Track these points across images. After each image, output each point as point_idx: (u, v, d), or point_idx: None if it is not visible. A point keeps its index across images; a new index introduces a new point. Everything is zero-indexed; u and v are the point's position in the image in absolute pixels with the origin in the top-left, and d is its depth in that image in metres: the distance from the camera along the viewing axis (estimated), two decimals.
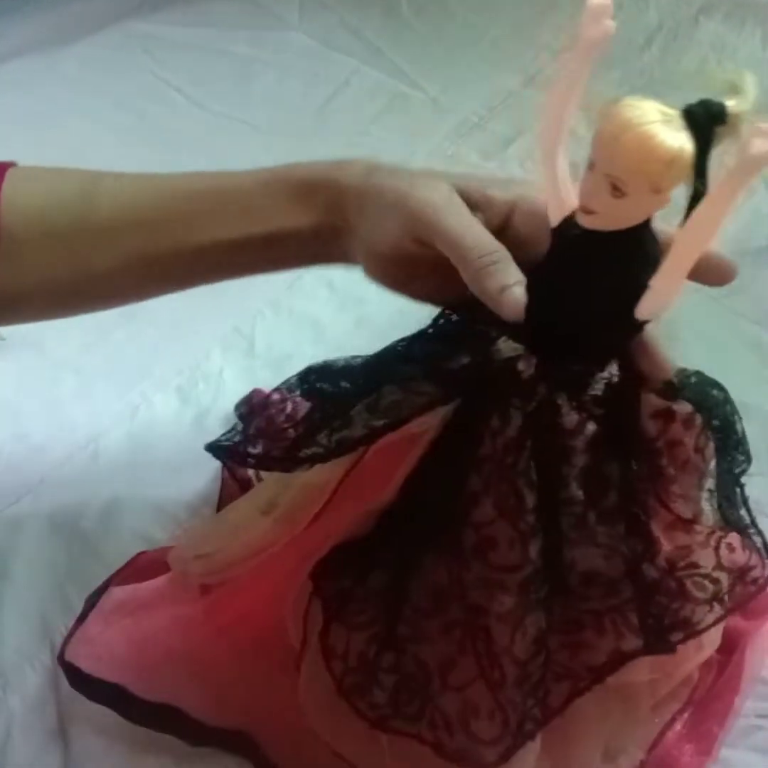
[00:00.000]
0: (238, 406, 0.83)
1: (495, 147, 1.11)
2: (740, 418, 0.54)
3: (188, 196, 0.55)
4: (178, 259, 0.56)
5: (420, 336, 0.57)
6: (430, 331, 0.57)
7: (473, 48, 1.27)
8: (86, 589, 0.68)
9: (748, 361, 0.89)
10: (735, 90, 0.35)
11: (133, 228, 0.55)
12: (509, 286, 0.43)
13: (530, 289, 0.44)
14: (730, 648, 0.67)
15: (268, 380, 0.79)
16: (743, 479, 0.55)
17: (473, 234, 0.46)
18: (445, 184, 0.49)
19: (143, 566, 0.68)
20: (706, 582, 0.51)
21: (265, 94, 1.20)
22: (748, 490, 0.56)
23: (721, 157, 0.35)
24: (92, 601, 0.66)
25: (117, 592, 0.67)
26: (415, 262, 0.51)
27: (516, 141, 1.11)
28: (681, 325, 0.86)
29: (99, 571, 0.71)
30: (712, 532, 0.51)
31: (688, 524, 0.49)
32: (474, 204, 0.49)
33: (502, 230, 0.49)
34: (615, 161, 0.36)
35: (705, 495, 0.50)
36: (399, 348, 0.56)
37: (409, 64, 1.23)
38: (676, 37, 1.18)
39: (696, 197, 0.35)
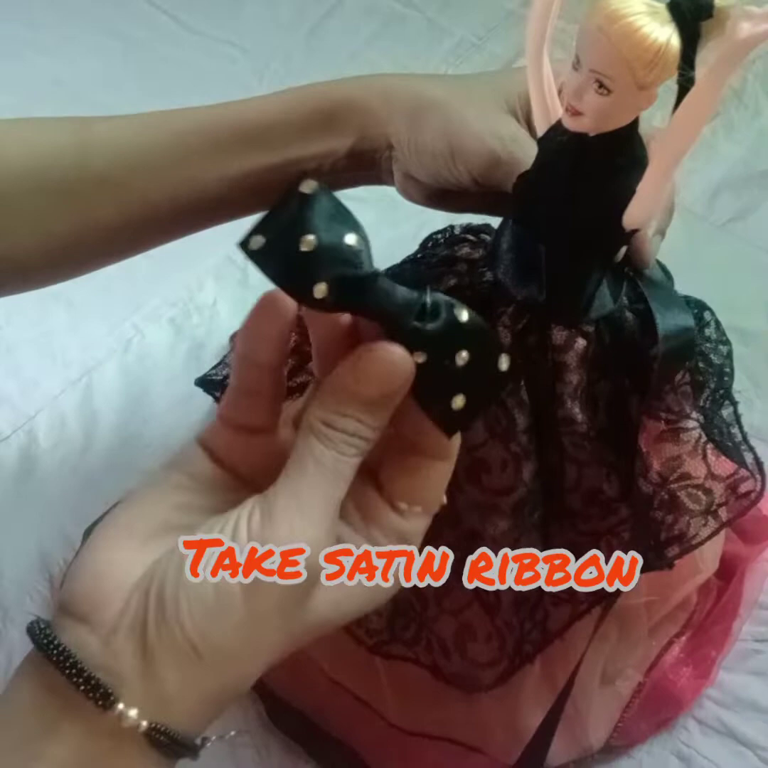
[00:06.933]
0: (233, 337, 0.81)
1: (494, 68, 1.07)
2: (726, 340, 0.53)
3: (193, 132, 0.51)
4: (193, 200, 0.51)
5: (409, 261, 0.55)
6: (419, 256, 0.56)
7: None
8: (84, 522, 0.68)
9: (751, 286, 0.87)
10: None
11: (136, 174, 0.50)
12: None
13: (517, 200, 0.42)
14: (729, 573, 0.68)
15: None
16: (742, 405, 0.54)
17: None
18: (513, 123, 0.46)
19: None
20: (700, 493, 0.50)
21: (256, 15, 1.15)
22: (747, 416, 0.55)
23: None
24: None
25: None
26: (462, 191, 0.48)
27: (515, 62, 1.06)
28: (684, 252, 0.84)
29: (97, 505, 0.71)
30: (699, 438, 0.50)
31: (675, 434, 0.49)
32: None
33: None
34: (601, 55, 0.34)
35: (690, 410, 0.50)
36: (388, 274, 0.54)
37: None
38: None
39: (683, 92, 0.33)
